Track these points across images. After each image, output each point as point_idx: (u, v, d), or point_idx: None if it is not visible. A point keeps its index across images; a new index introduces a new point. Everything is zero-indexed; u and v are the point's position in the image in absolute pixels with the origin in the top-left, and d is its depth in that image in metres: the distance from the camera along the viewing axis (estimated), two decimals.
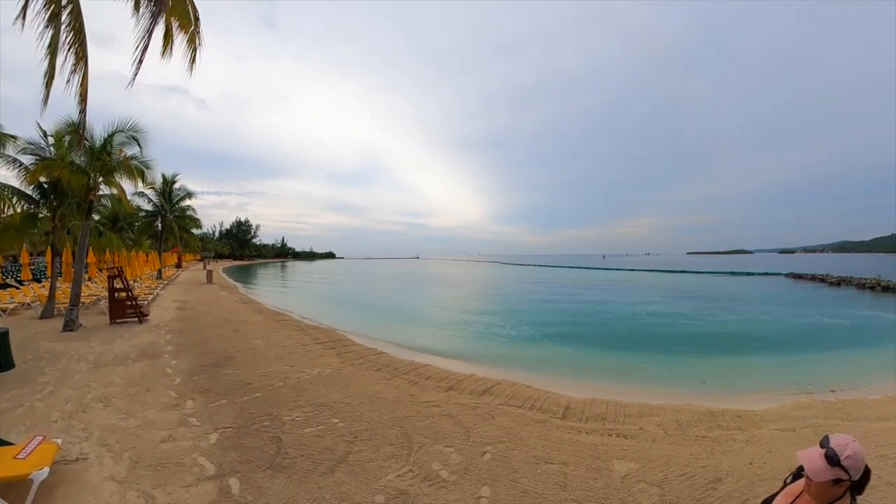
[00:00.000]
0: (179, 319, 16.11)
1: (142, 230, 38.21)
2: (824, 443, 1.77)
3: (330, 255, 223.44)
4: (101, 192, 18.17)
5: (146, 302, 18.84)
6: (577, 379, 10.22)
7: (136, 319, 14.97)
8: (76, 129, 13.94)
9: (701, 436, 6.15)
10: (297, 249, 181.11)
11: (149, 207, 37.43)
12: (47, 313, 15.63)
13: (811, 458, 1.75)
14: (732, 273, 65.04)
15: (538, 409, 7.22)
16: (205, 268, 61.05)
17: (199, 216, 41.86)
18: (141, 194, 35.79)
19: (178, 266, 59.00)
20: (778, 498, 1.93)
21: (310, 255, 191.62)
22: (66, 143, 14.67)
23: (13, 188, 15.24)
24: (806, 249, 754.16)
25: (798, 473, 1.89)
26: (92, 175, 14.38)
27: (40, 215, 16.34)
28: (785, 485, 1.95)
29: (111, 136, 14.78)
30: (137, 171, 15.59)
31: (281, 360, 10.53)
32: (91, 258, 22.19)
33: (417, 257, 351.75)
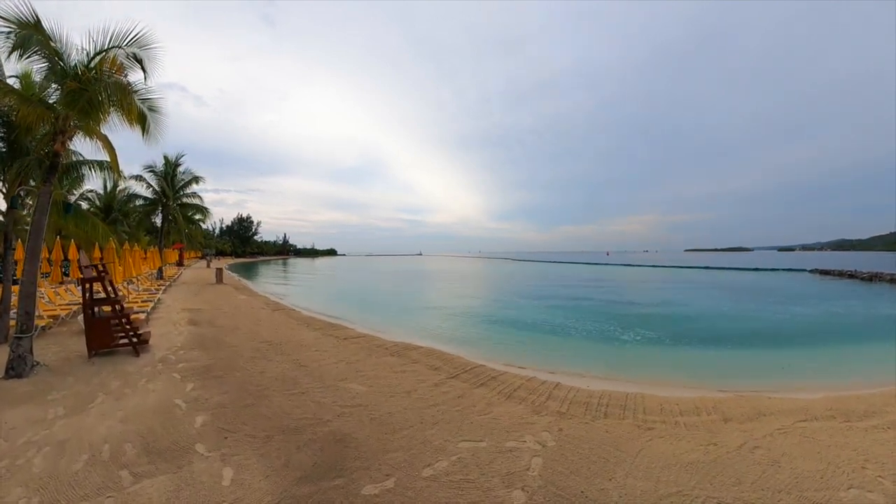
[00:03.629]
0: (199, 344, 10.35)
1: (139, 222, 32.44)
2: None
3: (332, 252, 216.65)
4: (82, 159, 12.52)
5: (146, 314, 12.97)
6: (770, 381, 9.25)
7: (131, 348, 9.18)
8: None
9: None
10: (298, 246, 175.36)
11: (147, 194, 31.51)
12: None
13: None
14: (756, 269, 63.89)
15: (823, 417, 6.17)
16: (208, 265, 55.61)
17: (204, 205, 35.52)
18: (139, 178, 30.12)
19: (180, 264, 52.98)
20: None
21: (312, 253, 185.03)
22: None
23: None
24: (804, 247, 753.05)
25: None
26: (61, 111, 8.56)
27: None
28: None
29: (104, 50, 8.82)
30: (136, 112, 9.67)
31: (437, 425, 5.77)
32: (73, 253, 16.26)
33: (420, 254, 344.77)
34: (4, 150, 10.68)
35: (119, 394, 6.80)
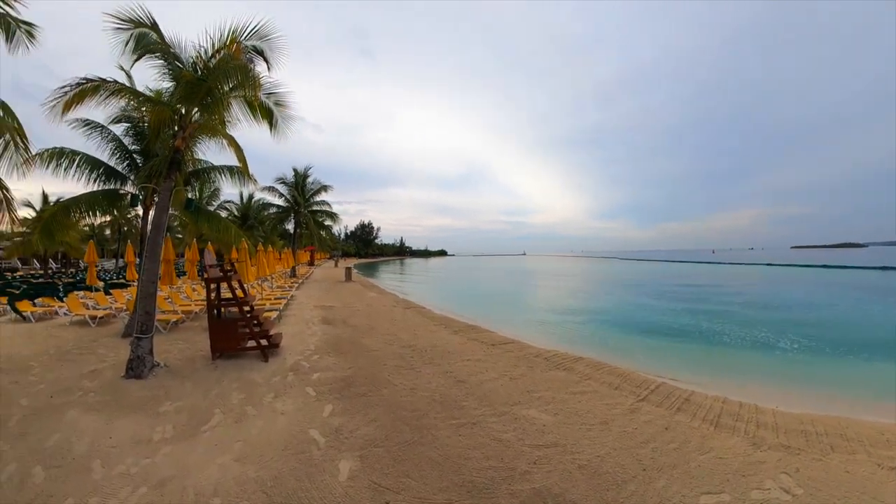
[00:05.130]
0: (334, 347, 8.87)
1: (273, 227, 33.34)
2: None
3: (442, 253, 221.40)
4: (212, 164, 11.65)
5: (278, 311, 11.73)
6: None
7: (259, 352, 7.79)
8: None
9: None
10: (413, 248, 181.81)
11: (280, 203, 32.26)
12: (131, 329, 9.06)
13: None
14: (883, 268, 53.16)
15: None
16: (336, 265, 57.69)
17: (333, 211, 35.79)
18: (271, 189, 30.82)
19: (311, 264, 55.13)
20: None
21: (425, 254, 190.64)
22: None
23: (88, 157, 9.66)
24: None
25: None
26: (180, 108, 7.58)
27: (121, 191, 10.24)
28: None
29: (224, 46, 7.59)
30: (261, 107, 8.58)
31: (663, 473, 4.00)
32: (191, 253, 15.94)
33: (524, 254, 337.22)
34: (140, 160, 10.54)
35: (240, 413, 5.21)
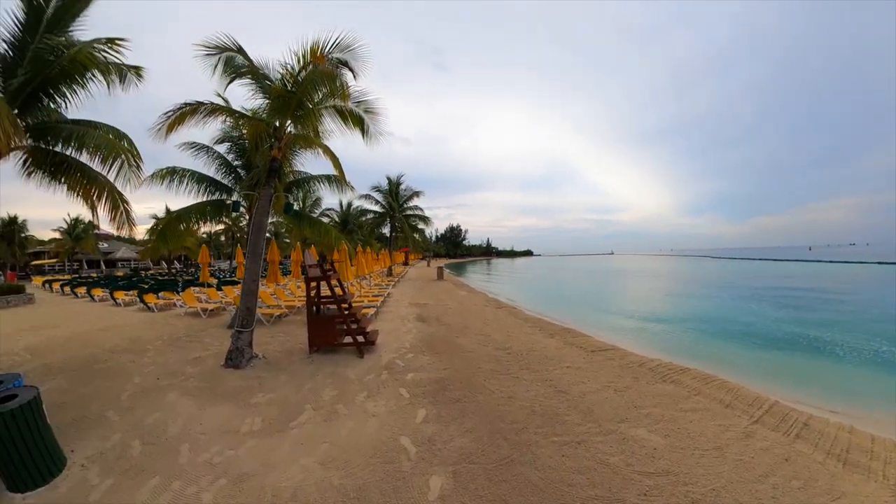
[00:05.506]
0: (429, 346, 8.56)
1: (370, 231, 34.89)
2: None
3: (528, 253, 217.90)
4: (311, 174, 11.95)
5: (373, 311, 11.71)
6: None
7: (355, 348, 7.74)
8: None
9: None
10: (499, 248, 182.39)
11: (376, 209, 33.77)
12: (234, 322, 9.53)
13: None
14: None
15: None
16: (428, 265, 59.08)
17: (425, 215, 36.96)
18: (368, 196, 32.32)
19: (406, 264, 56.79)
20: None
21: (511, 254, 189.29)
22: None
23: (196, 173, 10.59)
24: None
25: None
26: (274, 121, 7.79)
27: (228, 201, 10.90)
28: None
29: (308, 63, 7.61)
30: (351, 115, 8.50)
31: None
32: (313, 256, 16.52)
33: (612, 253, 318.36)
34: (243, 172, 11.27)
35: (330, 411, 5.03)
